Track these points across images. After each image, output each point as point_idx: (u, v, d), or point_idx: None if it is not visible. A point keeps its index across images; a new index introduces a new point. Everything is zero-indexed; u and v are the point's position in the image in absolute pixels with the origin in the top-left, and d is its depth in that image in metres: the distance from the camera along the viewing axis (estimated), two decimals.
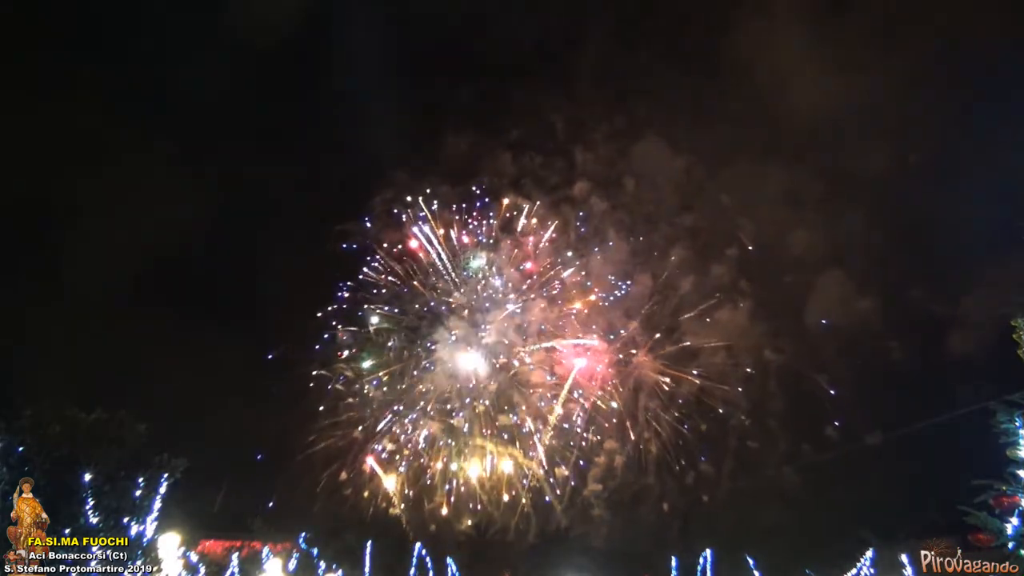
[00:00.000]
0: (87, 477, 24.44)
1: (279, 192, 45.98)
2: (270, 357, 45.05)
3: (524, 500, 43.16)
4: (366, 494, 43.79)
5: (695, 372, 44.23)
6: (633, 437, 43.65)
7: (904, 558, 32.38)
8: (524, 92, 46.13)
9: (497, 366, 46.08)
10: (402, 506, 43.51)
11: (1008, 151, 34.14)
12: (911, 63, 37.11)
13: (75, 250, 39.52)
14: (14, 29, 39.39)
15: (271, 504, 41.07)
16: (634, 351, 45.27)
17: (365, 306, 46.60)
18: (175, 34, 44.98)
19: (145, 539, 25.76)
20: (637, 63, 45.73)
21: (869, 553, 34.52)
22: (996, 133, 34.98)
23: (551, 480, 43.92)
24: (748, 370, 43.58)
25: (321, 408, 45.17)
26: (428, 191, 47.23)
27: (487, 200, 47.48)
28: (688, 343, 44.57)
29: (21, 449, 23.80)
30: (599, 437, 44.56)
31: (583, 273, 46.77)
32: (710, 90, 43.24)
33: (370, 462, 44.47)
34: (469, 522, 43.07)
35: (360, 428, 45.08)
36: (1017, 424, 21.32)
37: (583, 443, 44.57)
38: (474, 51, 47.46)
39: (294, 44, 44.51)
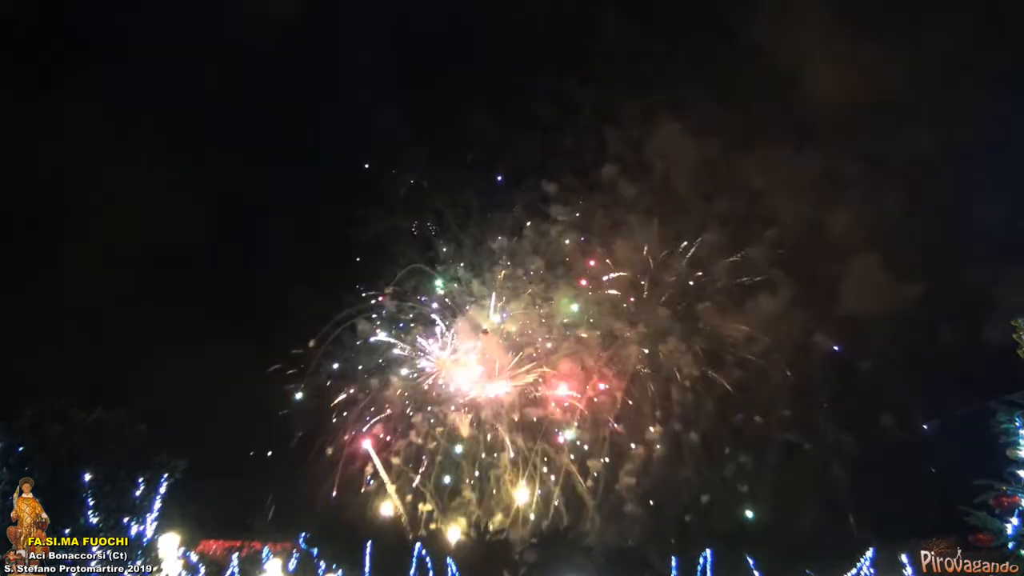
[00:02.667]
0: (87, 477, 24.50)
1: (283, 189, 45.68)
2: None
3: (556, 493, 42.96)
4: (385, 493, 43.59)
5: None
6: (662, 430, 42.90)
7: (904, 558, 32.41)
8: (539, 76, 44.86)
9: (521, 357, 45.43)
10: (431, 507, 43.34)
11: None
12: (947, 41, 35.78)
13: (75, 249, 39.50)
14: (12, 27, 39.44)
15: (271, 504, 41.04)
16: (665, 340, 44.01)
17: (376, 300, 46.00)
18: (179, 24, 44.67)
19: (145, 539, 25.80)
20: (656, 43, 43.70)
21: (869, 553, 34.50)
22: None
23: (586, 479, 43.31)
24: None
25: (327, 406, 45.07)
26: (445, 178, 46.37)
27: (507, 186, 46.54)
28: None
29: (21, 449, 23.87)
30: (630, 430, 43.60)
31: (609, 261, 45.43)
32: (733, 70, 41.88)
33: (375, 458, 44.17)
34: (499, 517, 42.74)
35: (369, 426, 44.89)
36: (1017, 424, 21.41)
37: (613, 436, 43.71)
38: (488, 33, 46.29)
39: (300, 32, 43.97)
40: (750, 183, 42.23)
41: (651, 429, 43.08)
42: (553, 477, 43.60)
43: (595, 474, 43.21)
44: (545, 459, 44.09)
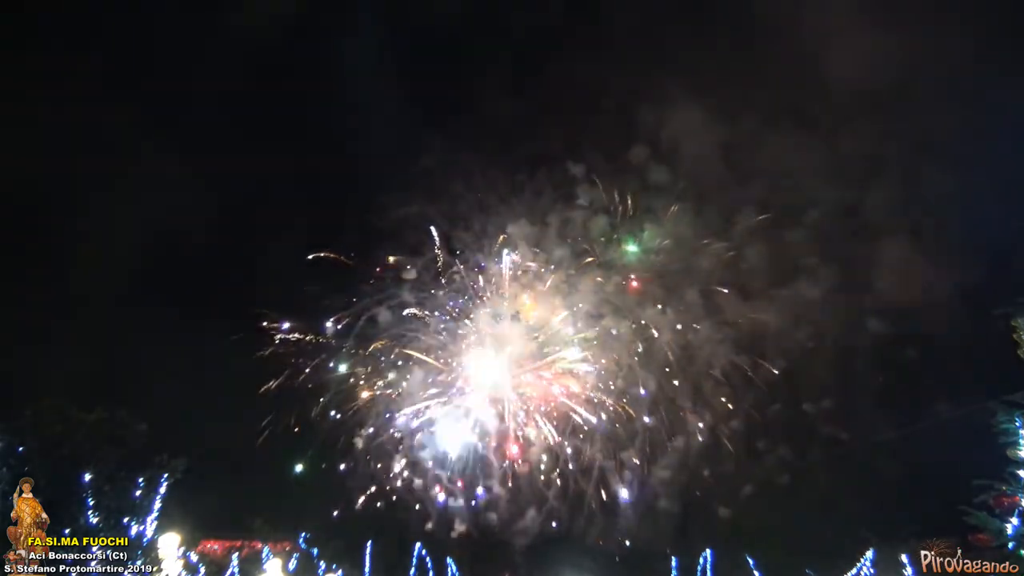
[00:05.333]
0: (87, 477, 24.51)
1: (284, 187, 45.21)
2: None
3: (589, 491, 42.59)
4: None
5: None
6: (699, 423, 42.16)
7: (904, 558, 32.44)
8: (560, 55, 43.96)
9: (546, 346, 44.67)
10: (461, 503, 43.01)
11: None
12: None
13: (75, 249, 39.48)
14: (10, 24, 39.32)
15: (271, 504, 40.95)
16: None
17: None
18: (182, 20, 44.25)
19: (145, 539, 25.83)
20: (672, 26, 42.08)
21: (869, 553, 34.54)
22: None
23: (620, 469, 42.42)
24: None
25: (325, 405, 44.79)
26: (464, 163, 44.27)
27: (530, 171, 44.42)
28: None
29: (21, 449, 23.85)
30: (661, 423, 42.66)
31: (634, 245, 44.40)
32: (751, 52, 40.56)
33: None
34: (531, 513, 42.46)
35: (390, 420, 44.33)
36: (1017, 424, 21.39)
37: (645, 431, 42.74)
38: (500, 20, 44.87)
39: (313, 14, 43.39)
40: (785, 167, 40.47)
41: (687, 421, 42.39)
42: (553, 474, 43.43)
43: (628, 471, 42.60)
44: (571, 452, 43.68)
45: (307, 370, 44.28)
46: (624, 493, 42.32)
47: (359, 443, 43.05)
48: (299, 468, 43.02)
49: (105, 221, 39.41)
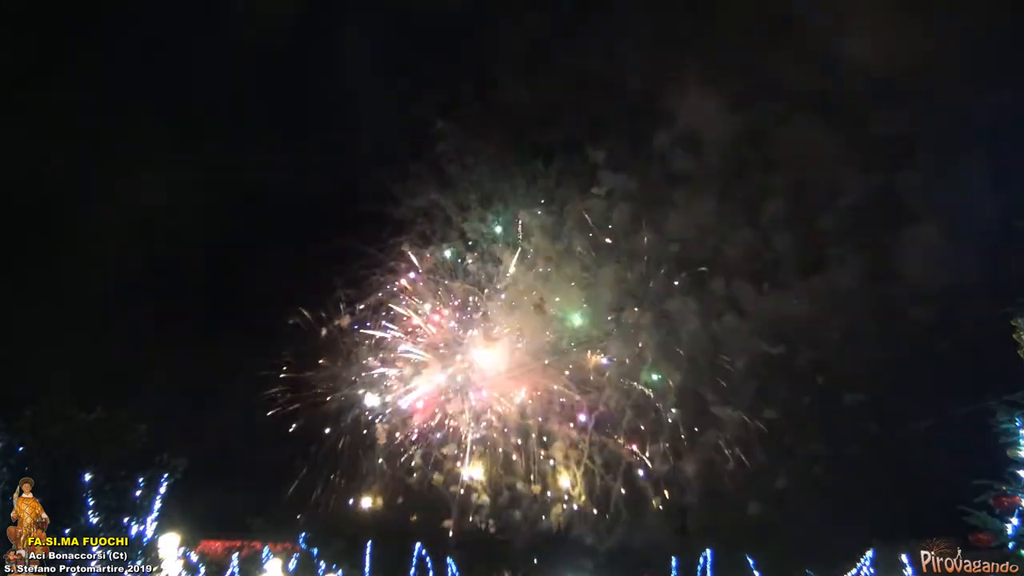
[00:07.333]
0: (87, 477, 24.48)
1: (283, 187, 45.11)
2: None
3: (618, 488, 42.29)
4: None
5: None
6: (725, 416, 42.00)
7: (904, 558, 32.45)
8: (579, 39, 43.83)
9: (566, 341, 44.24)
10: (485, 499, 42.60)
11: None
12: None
13: (75, 249, 39.50)
14: (11, 23, 39.34)
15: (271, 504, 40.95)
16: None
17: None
18: (179, 24, 44.23)
19: (145, 539, 25.79)
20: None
21: (869, 553, 34.55)
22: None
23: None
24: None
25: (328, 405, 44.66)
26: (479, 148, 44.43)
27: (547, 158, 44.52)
28: None
29: (21, 449, 23.84)
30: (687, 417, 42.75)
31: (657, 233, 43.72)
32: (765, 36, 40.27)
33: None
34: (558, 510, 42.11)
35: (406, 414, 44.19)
36: (1017, 424, 21.32)
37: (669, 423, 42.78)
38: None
39: (298, 32, 43.31)
40: (808, 154, 40.44)
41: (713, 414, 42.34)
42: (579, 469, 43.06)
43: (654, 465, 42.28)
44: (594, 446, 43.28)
45: (313, 370, 44.39)
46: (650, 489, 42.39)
47: (380, 437, 43.04)
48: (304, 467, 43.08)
49: (106, 220, 39.44)
